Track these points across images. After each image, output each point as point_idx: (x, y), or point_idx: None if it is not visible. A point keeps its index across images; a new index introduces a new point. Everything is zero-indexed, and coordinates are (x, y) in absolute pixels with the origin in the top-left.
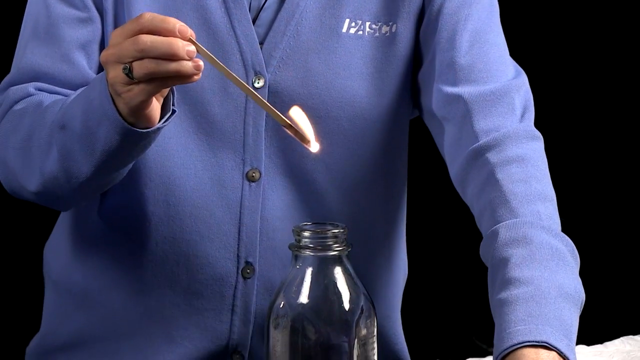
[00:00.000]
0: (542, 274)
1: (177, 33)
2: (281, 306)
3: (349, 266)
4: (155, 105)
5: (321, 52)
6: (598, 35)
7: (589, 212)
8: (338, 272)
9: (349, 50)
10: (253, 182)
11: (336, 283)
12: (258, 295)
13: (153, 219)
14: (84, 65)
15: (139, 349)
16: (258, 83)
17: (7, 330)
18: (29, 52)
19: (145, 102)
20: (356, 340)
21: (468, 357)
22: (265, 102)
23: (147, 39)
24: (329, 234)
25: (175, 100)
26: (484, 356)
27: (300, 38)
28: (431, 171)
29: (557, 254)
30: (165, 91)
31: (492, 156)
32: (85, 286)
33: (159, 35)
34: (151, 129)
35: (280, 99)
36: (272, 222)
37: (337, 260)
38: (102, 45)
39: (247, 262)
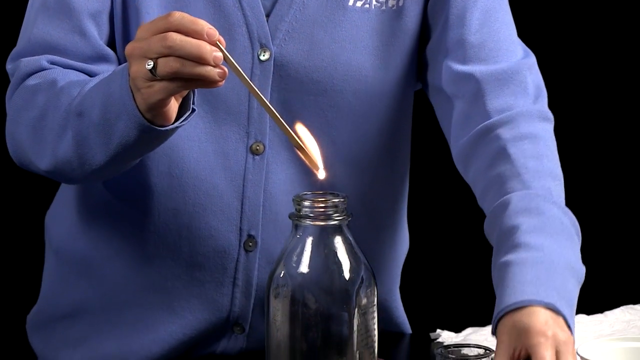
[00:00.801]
0: (551, 244)
1: (206, 35)
2: (281, 276)
3: (349, 236)
4: (173, 105)
5: (327, 25)
6: (603, 26)
7: (592, 183)
8: (338, 241)
9: (355, 23)
10: (257, 155)
11: (336, 252)
12: (260, 268)
13: (156, 190)
14: (95, 36)
15: (139, 319)
16: (264, 56)
17: (7, 298)
18: (39, 23)
19: (164, 101)
20: (356, 310)
21: (468, 327)
22: (284, 122)
23: (176, 37)
24: (329, 203)
25: (195, 100)
26: (483, 326)
27: (307, 11)
28: (432, 148)
29: (566, 231)
30: (185, 92)
31: (505, 132)
32: (87, 255)
33: (187, 35)
34: (169, 127)
35: (286, 72)
36: (276, 196)
37: (338, 230)
38: (112, 17)
39: (249, 235)
